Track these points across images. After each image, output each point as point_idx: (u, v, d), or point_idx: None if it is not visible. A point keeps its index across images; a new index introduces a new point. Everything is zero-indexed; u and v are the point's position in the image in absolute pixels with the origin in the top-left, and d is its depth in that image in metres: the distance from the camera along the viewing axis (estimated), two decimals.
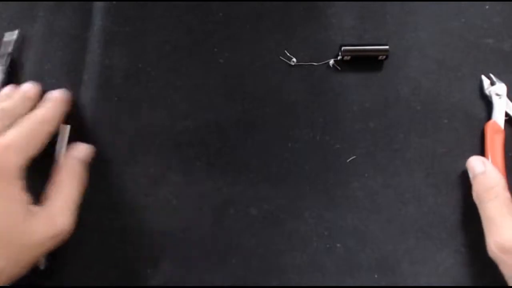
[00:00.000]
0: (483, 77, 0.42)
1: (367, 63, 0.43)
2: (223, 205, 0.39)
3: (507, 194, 0.35)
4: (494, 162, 0.39)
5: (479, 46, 0.43)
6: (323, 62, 0.43)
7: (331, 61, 0.42)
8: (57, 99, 0.38)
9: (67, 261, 0.37)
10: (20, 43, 0.43)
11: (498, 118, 0.40)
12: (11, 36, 0.43)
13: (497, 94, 0.41)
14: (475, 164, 0.38)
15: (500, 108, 0.41)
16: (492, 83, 0.41)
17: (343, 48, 0.42)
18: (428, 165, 0.40)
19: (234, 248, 0.38)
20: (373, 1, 0.43)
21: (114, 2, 0.45)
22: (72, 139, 0.40)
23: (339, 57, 0.42)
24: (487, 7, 0.45)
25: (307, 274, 0.37)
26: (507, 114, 0.41)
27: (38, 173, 0.35)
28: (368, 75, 0.43)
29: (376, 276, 0.37)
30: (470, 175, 0.38)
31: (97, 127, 0.41)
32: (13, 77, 0.42)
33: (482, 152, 0.40)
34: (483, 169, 0.37)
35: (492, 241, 0.34)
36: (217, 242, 0.38)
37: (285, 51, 0.43)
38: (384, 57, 0.42)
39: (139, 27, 0.44)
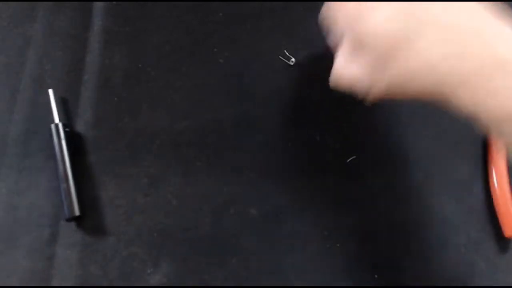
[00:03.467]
0: None
1: None
2: (223, 205, 0.39)
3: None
4: (497, 169, 0.39)
5: None
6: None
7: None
8: None
9: (67, 260, 0.37)
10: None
11: None
12: None
13: None
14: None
15: None
16: None
17: None
18: (428, 165, 0.40)
19: (234, 248, 0.38)
20: (372, 1, 0.43)
21: (114, 2, 0.45)
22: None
23: None
24: None
25: (307, 274, 0.37)
26: None
27: None
28: None
29: (376, 276, 0.37)
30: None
31: (97, 127, 0.41)
32: None
33: (484, 155, 0.40)
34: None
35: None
36: (217, 242, 0.38)
37: (285, 51, 0.43)
38: None
39: (139, 27, 0.44)
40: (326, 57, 0.43)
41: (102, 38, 0.44)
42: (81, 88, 0.42)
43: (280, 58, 0.43)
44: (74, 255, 0.37)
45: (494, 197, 0.39)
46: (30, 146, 0.40)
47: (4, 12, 0.45)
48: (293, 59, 0.43)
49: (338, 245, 0.38)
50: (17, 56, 0.43)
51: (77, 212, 0.37)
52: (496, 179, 0.39)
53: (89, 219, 0.38)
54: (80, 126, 0.41)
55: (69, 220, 0.37)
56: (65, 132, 0.39)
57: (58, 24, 0.44)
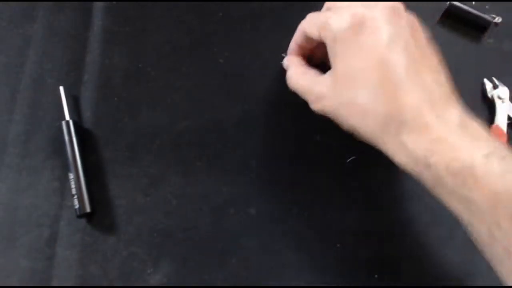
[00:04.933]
0: (486, 80, 0.42)
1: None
2: (223, 205, 0.39)
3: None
4: None
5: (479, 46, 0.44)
6: None
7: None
8: None
9: (67, 260, 0.37)
10: None
11: (501, 122, 0.40)
12: None
13: (500, 98, 0.41)
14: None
15: (503, 112, 0.40)
16: (495, 87, 0.41)
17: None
18: None
19: (234, 248, 0.38)
20: (373, 1, 0.43)
21: (114, 2, 0.45)
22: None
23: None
24: (487, 7, 0.45)
25: (307, 274, 0.37)
26: (509, 118, 0.40)
27: None
28: None
29: (376, 276, 0.37)
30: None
31: (97, 127, 0.41)
32: None
33: None
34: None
35: None
36: (217, 242, 0.38)
37: (285, 51, 0.43)
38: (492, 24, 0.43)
39: (139, 27, 0.44)
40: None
41: (102, 38, 0.44)
42: (81, 88, 0.42)
43: (282, 56, 0.43)
44: (74, 255, 0.37)
45: None
46: (30, 146, 0.40)
47: (4, 12, 0.45)
48: None
49: (338, 245, 0.38)
50: (17, 56, 0.43)
51: (88, 209, 0.37)
52: None
53: (89, 219, 0.38)
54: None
55: (80, 217, 0.38)
56: (75, 128, 0.39)
57: (58, 24, 0.44)
